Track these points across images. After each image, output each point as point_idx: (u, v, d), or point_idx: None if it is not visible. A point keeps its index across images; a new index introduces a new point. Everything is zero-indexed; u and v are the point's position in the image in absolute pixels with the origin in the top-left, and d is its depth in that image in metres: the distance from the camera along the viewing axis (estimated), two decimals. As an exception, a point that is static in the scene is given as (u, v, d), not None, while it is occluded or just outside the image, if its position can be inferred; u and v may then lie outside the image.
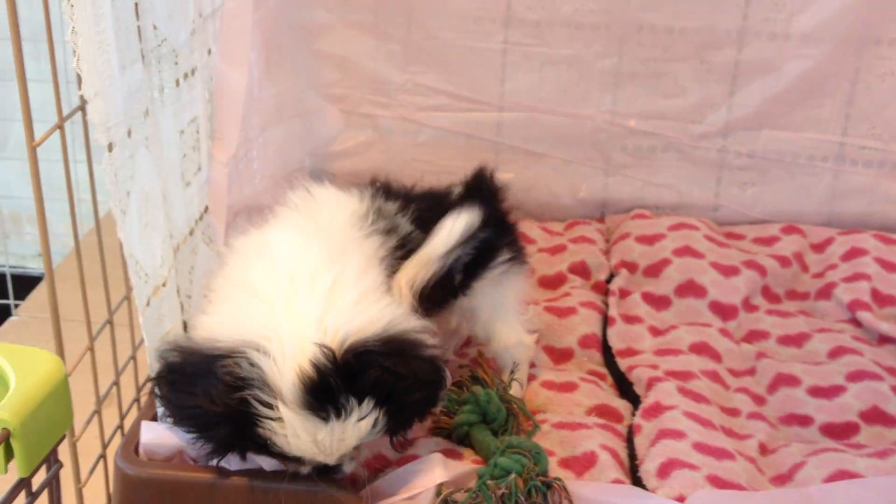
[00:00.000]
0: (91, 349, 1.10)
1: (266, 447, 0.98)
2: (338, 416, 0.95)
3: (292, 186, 1.22)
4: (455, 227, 1.18)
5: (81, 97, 1.03)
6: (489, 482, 1.06)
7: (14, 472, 0.81)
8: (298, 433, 0.95)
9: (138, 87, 1.12)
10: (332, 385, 0.94)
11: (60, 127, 0.99)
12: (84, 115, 1.04)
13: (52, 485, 0.86)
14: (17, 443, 0.77)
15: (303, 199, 1.20)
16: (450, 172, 1.68)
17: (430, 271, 1.16)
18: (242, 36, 1.37)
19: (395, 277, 1.14)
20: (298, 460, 1.00)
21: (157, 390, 1.03)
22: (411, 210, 1.21)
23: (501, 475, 1.08)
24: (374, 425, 0.97)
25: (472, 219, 1.20)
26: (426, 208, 1.24)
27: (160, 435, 1.12)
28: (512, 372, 1.31)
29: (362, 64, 1.80)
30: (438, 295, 1.18)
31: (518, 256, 1.32)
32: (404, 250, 1.16)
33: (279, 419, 0.94)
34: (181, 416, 1.01)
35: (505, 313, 1.32)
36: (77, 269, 1.12)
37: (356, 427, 0.96)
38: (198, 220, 1.37)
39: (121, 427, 1.22)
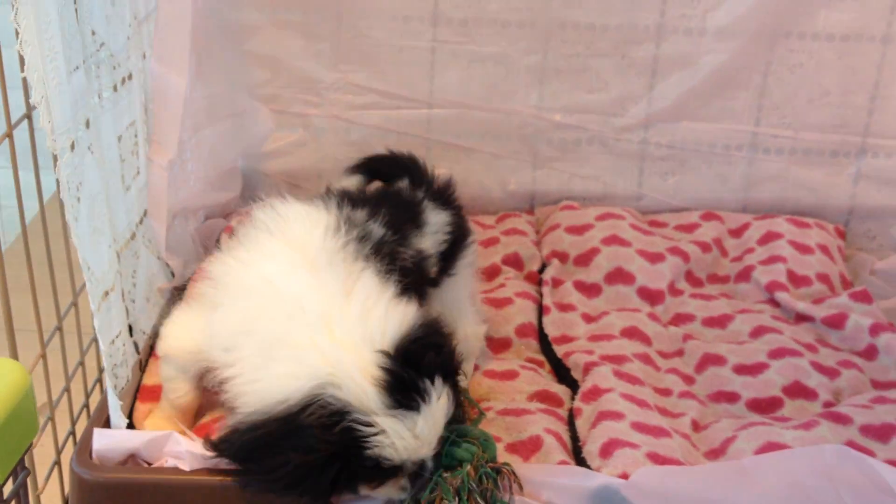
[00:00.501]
0: (43, 356, 1.10)
1: (375, 470, 1.01)
2: (424, 400, 1.00)
3: (256, 200, 1.23)
4: None
5: (27, 104, 1.04)
6: (445, 475, 1.08)
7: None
8: (401, 434, 0.99)
9: (81, 92, 1.12)
10: (406, 377, 0.99)
11: (10, 135, 0.99)
12: (30, 122, 1.04)
13: (20, 492, 0.86)
14: (-9, 451, 0.78)
15: (272, 217, 1.19)
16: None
17: None
18: (181, 39, 1.37)
19: None
20: (399, 471, 1.03)
21: (236, 474, 1.04)
22: (380, 215, 1.23)
23: (453, 464, 1.11)
24: (449, 399, 1.04)
25: None
26: (392, 210, 1.26)
27: (113, 440, 1.13)
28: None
29: (292, 64, 1.81)
30: (420, 287, 1.22)
31: (475, 238, 1.38)
32: (380, 254, 1.18)
33: (381, 431, 0.98)
34: (275, 479, 1.01)
35: (465, 304, 1.37)
36: (8, 277, 1.11)
37: (440, 406, 1.02)
38: (138, 223, 1.38)
39: (72, 433, 1.22)
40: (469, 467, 1.10)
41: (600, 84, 1.84)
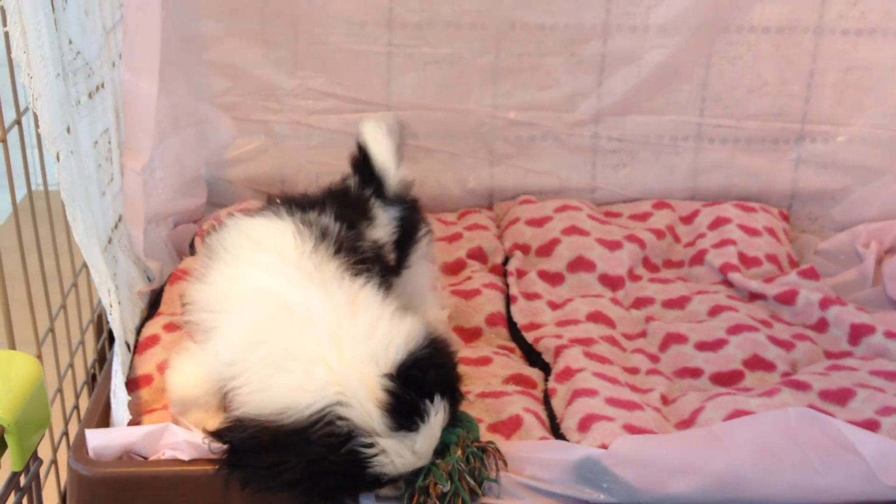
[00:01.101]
0: (39, 356, 1.12)
1: (373, 483, 1.05)
2: (423, 421, 1.04)
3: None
4: None
5: (17, 111, 1.06)
6: (437, 461, 1.11)
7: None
8: (401, 453, 1.03)
9: (63, 100, 1.15)
10: (409, 400, 1.03)
11: (3, 140, 1.01)
12: (20, 128, 1.06)
13: (33, 482, 0.89)
14: (11, 437, 0.80)
15: (236, 236, 1.23)
16: (343, 173, 1.75)
17: None
18: (149, 46, 1.40)
19: None
20: (396, 480, 1.07)
21: (233, 465, 1.06)
22: (328, 210, 1.27)
23: (441, 449, 1.13)
24: (445, 414, 1.08)
25: None
26: (340, 204, 1.30)
27: (106, 439, 1.14)
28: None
29: (252, 71, 1.84)
30: (383, 277, 1.25)
31: (430, 230, 1.42)
32: (343, 248, 1.22)
33: (383, 452, 1.02)
34: (274, 476, 1.03)
35: (425, 290, 1.41)
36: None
37: (437, 423, 1.06)
38: (113, 228, 1.40)
39: (66, 433, 1.24)
40: (458, 450, 1.13)
41: (551, 82, 1.90)
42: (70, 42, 1.21)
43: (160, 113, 1.64)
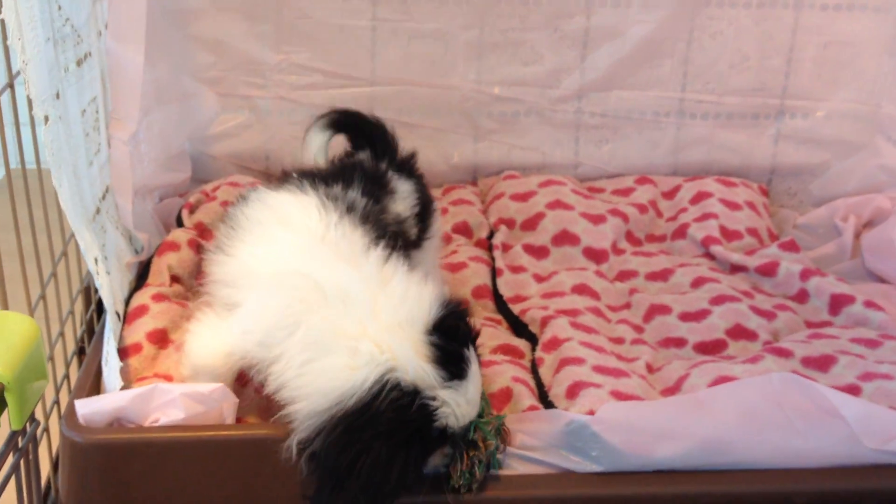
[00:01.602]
0: (30, 323, 1.12)
1: (437, 441, 1.07)
2: (468, 367, 1.08)
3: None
4: None
5: (10, 74, 1.06)
6: (481, 420, 1.13)
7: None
8: (459, 402, 1.06)
9: (52, 65, 1.14)
10: (453, 351, 1.07)
11: (-5, 103, 1.01)
12: (12, 92, 1.06)
13: (30, 444, 0.89)
14: (11, 395, 0.81)
15: (261, 210, 1.24)
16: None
17: None
18: (135, 14, 1.40)
19: None
20: (448, 438, 1.08)
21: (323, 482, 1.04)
22: (356, 185, 1.28)
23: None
24: (479, 362, 1.12)
25: None
26: (362, 178, 1.31)
27: (96, 406, 1.14)
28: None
29: (236, 46, 1.84)
30: (405, 249, 1.27)
31: (436, 207, 1.44)
32: (369, 220, 1.23)
33: (444, 403, 1.05)
34: (376, 482, 1.03)
35: (434, 268, 1.43)
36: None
37: (477, 369, 1.10)
38: (101, 199, 1.40)
39: (57, 402, 1.24)
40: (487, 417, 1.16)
41: (535, 57, 1.91)
42: (59, 8, 1.21)
43: (144, 87, 1.63)
